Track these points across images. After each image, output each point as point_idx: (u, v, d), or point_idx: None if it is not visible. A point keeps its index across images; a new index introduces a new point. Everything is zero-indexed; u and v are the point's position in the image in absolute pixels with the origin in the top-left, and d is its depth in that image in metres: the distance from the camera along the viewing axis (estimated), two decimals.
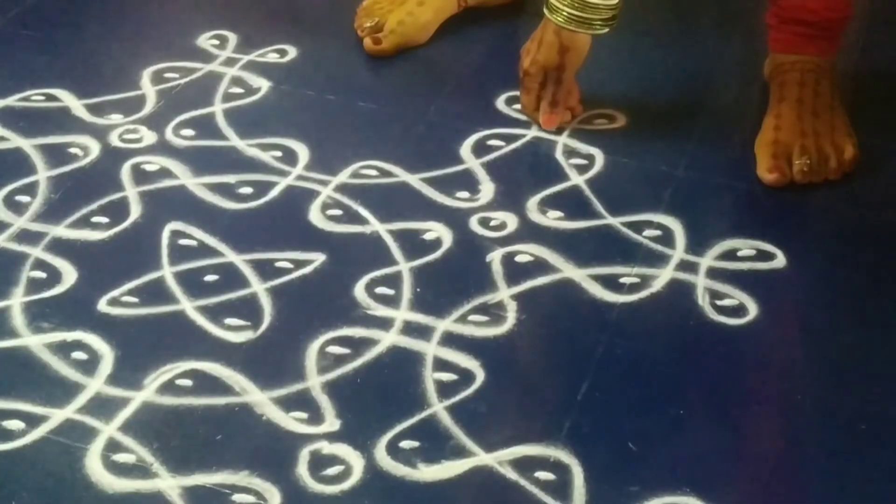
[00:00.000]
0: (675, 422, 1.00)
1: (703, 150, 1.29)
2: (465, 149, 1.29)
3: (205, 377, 1.02)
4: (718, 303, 1.11)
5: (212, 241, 1.16)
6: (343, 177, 1.25)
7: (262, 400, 1.00)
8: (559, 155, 1.28)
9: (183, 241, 1.16)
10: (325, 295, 1.11)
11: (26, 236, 1.16)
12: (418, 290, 1.11)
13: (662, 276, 1.13)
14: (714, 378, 1.04)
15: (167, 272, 1.12)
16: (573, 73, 1.30)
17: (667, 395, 1.02)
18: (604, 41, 1.28)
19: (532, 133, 1.31)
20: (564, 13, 1.23)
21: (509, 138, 1.31)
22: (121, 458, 0.95)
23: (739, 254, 1.16)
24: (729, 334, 1.08)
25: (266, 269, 1.13)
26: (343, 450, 0.96)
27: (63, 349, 1.04)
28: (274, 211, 1.21)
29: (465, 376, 1.03)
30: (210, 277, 1.12)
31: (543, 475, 0.95)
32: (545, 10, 1.25)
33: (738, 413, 1.01)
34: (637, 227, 1.19)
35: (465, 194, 1.23)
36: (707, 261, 1.15)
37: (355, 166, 1.26)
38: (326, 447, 0.96)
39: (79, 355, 1.03)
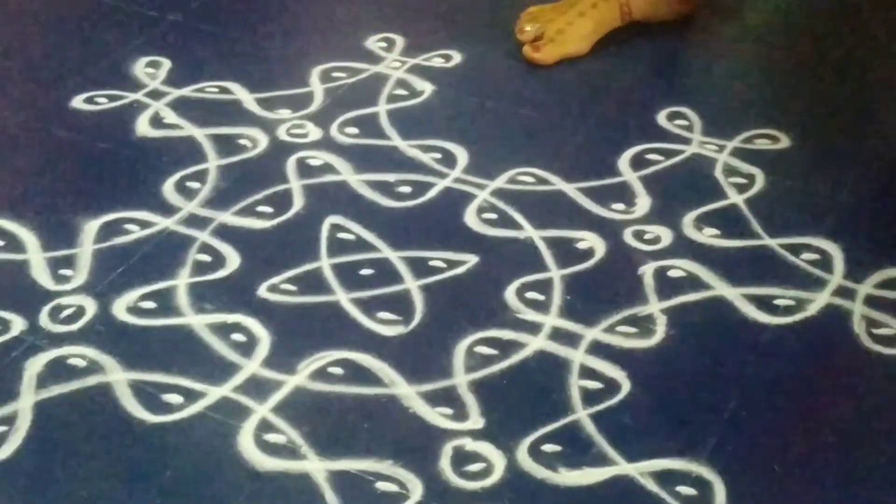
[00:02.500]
0: (823, 448, 0.98)
1: (868, 175, 1.27)
2: (623, 161, 1.29)
3: (356, 367, 1.04)
4: (875, 331, 1.08)
5: (369, 236, 1.19)
6: (500, 182, 1.26)
7: (409, 393, 1.02)
8: (719, 173, 1.27)
9: (342, 235, 1.19)
10: (476, 296, 1.13)
11: (194, 221, 1.21)
12: (568, 297, 1.12)
13: (818, 301, 1.11)
14: (867, 407, 1.02)
15: (325, 263, 1.16)
16: None
17: (816, 420, 1.01)
18: (770, 63, 1.26)
19: (692, 149, 1.31)
20: None
21: (669, 153, 1.30)
22: (272, 438, 0.98)
23: None
24: (884, 364, 1.05)
25: (420, 267, 1.15)
26: (486, 448, 0.97)
27: (223, 330, 1.08)
28: (431, 211, 1.23)
29: (611, 386, 1.03)
30: (366, 271, 1.15)
31: (685, 490, 0.94)
32: None
33: (890, 446, 0.99)
34: (795, 249, 1.17)
35: (620, 206, 1.23)
36: (866, 288, 1.12)
37: (512, 172, 1.27)
38: (469, 444, 0.98)
39: (238, 337, 1.07)
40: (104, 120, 1.36)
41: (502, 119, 1.37)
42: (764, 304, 1.11)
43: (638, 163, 1.29)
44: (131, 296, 1.11)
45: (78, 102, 1.38)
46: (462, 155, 1.30)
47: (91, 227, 1.19)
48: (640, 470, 0.96)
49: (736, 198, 1.24)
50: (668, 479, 0.95)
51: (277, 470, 0.95)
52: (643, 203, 1.23)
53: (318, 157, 1.30)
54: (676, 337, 1.08)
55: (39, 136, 1.33)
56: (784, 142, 1.32)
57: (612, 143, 1.32)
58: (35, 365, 1.04)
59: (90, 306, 1.10)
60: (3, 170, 1.28)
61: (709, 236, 1.19)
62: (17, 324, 1.08)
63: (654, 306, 1.11)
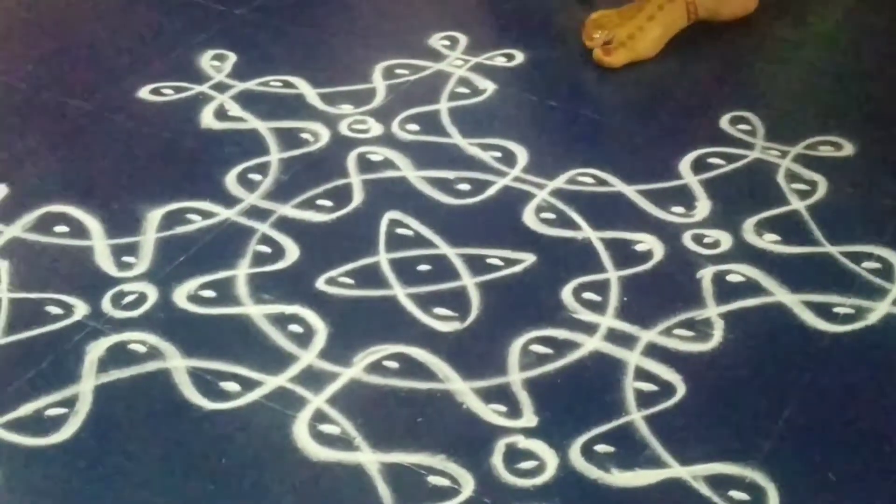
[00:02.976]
0: (879, 458, 0.97)
1: None
2: (685, 165, 1.29)
3: (411, 361, 1.05)
4: None
5: (427, 232, 1.19)
6: (559, 182, 1.26)
7: (463, 389, 1.02)
8: (781, 178, 1.26)
9: (400, 230, 1.20)
10: (532, 295, 1.13)
11: (255, 212, 1.22)
12: (625, 298, 1.12)
13: (879, 310, 1.10)
14: None
15: (383, 258, 1.16)
16: None
17: (873, 431, 1.00)
18: (835, 69, 1.25)
19: (755, 154, 1.30)
20: None
21: (731, 158, 1.29)
22: (326, 428, 0.99)
23: None
24: None
25: (477, 265, 1.16)
26: (538, 446, 0.98)
27: (281, 321, 1.09)
28: (489, 209, 1.23)
29: (666, 388, 1.03)
30: (423, 267, 1.15)
31: (738, 495, 0.94)
32: None
33: None
34: (856, 257, 1.16)
35: (680, 209, 1.22)
36: None
37: (572, 172, 1.27)
38: (522, 442, 0.98)
39: (295, 328, 1.08)
40: (170, 111, 1.37)
41: (563, 119, 1.37)
42: (823, 311, 1.10)
43: (699, 166, 1.28)
44: (192, 284, 1.13)
45: (144, 93, 1.40)
46: (522, 154, 1.30)
47: (154, 215, 1.21)
48: (694, 473, 0.95)
49: (797, 204, 1.23)
50: (721, 483, 0.94)
51: (331, 460, 0.96)
52: (703, 207, 1.23)
53: (378, 153, 1.31)
54: (734, 342, 1.07)
55: (106, 125, 1.35)
56: (847, 149, 1.30)
57: (674, 145, 1.31)
58: (97, 349, 1.05)
59: (152, 293, 1.11)
60: (69, 158, 1.30)
61: (769, 242, 1.18)
62: (81, 308, 1.10)
63: (712, 310, 1.10)
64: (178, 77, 1.42)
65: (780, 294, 1.12)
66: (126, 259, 1.16)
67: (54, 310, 1.10)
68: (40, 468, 0.95)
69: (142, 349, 1.06)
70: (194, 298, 1.11)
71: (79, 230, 1.19)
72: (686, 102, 1.40)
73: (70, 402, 1.00)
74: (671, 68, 1.46)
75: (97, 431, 0.98)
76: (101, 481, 0.94)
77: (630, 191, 1.25)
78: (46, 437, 0.97)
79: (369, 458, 0.96)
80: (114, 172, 1.28)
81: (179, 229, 1.19)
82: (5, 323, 1.08)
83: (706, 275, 1.14)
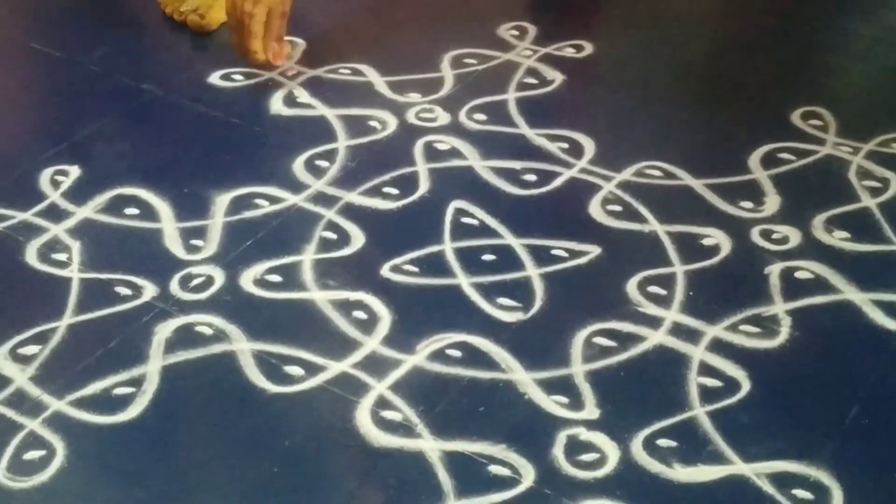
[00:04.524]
0: None
1: None
2: (754, 159, 1.27)
3: (474, 351, 1.05)
4: None
5: (492, 222, 1.19)
6: (626, 174, 1.25)
7: (525, 379, 1.02)
8: (852, 175, 1.25)
9: (465, 220, 1.20)
10: (596, 287, 1.12)
11: (322, 198, 1.23)
12: (691, 293, 1.11)
13: None
14: None
15: (448, 247, 1.16)
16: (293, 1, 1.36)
17: None
18: None
19: (826, 150, 1.28)
20: None
21: (801, 153, 1.28)
22: (388, 415, 0.99)
23: None
24: None
25: (542, 255, 1.15)
26: (600, 439, 0.97)
27: (345, 307, 1.10)
28: (555, 200, 1.23)
29: (731, 384, 1.02)
30: (487, 257, 1.15)
31: (801, 493, 0.93)
32: None
33: None
34: None
35: (748, 204, 1.21)
36: None
37: (640, 165, 1.27)
38: (584, 434, 0.98)
39: (359, 314, 1.09)
40: (239, 96, 1.39)
41: (631, 111, 1.36)
42: (893, 310, 1.08)
43: (769, 161, 1.27)
44: (258, 268, 1.14)
45: (215, 79, 1.42)
46: (589, 145, 1.30)
47: (223, 199, 1.22)
48: (757, 471, 0.94)
49: (869, 201, 1.21)
50: (784, 481, 0.93)
51: (392, 446, 0.97)
52: (772, 202, 1.21)
53: (445, 142, 1.31)
54: (800, 339, 1.06)
55: (177, 109, 1.37)
56: None
57: (744, 140, 1.30)
58: (164, 330, 1.07)
59: (219, 277, 1.13)
60: (141, 141, 1.32)
61: (839, 239, 1.17)
62: (149, 290, 1.11)
63: (779, 307, 1.09)
64: (249, 63, 1.43)
65: (849, 292, 1.10)
66: (194, 242, 1.17)
67: (123, 291, 1.11)
68: (106, 446, 0.97)
69: (208, 331, 1.07)
70: (260, 282, 1.12)
71: (149, 213, 1.21)
72: (757, 96, 1.38)
73: (137, 382, 1.02)
74: (743, 61, 1.44)
75: (163, 411, 1.00)
76: (166, 460, 0.96)
77: (698, 184, 1.24)
78: (113, 415, 0.99)
79: (430, 446, 0.97)
80: (184, 156, 1.30)
81: (247, 214, 1.21)
82: (76, 302, 1.10)
83: (774, 271, 1.13)
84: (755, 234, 1.17)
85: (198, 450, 0.97)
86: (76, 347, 1.05)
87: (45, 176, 1.26)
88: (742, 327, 1.07)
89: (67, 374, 1.03)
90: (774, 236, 1.17)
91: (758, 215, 1.20)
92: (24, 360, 1.04)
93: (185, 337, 1.06)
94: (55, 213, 1.21)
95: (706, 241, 1.17)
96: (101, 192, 1.24)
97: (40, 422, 0.98)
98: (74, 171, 1.26)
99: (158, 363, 1.04)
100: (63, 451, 0.96)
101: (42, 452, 0.96)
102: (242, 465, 0.96)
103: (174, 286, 1.12)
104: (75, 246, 1.17)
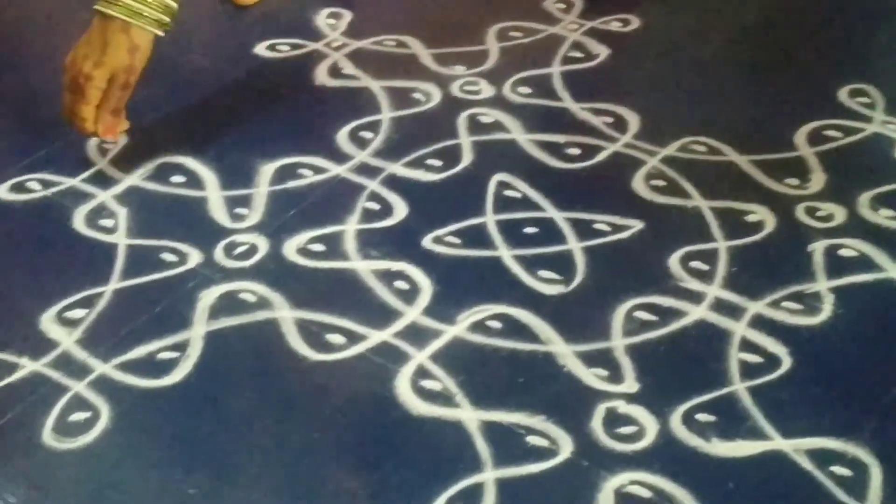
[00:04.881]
0: None
1: None
2: (800, 136, 1.26)
3: (514, 322, 1.06)
4: None
5: (535, 195, 1.20)
6: (671, 149, 1.25)
7: (565, 352, 1.03)
8: None
9: (508, 192, 1.20)
10: (638, 261, 1.12)
11: (365, 169, 1.23)
12: (734, 269, 1.10)
13: None
14: None
15: (490, 219, 1.17)
16: (140, 75, 1.19)
17: None
18: None
19: (873, 128, 1.27)
20: (126, 5, 1.14)
21: (848, 131, 1.27)
22: (428, 384, 1.00)
23: None
24: None
25: (583, 229, 1.15)
26: (639, 412, 0.97)
27: (387, 277, 1.10)
28: (598, 174, 1.23)
29: (771, 361, 1.02)
30: (529, 229, 1.16)
31: (839, 470, 0.92)
32: (101, 7, 1.15)
33: None
34: None
35: (794, 181, 1.20)
36: None
37: (684, 140, 1.26)
38: (623, 406, 0.98)
39: (401, 285, 1.09)
40: (285, 67, 1.40)
41: (677, 86, 1.36)
42: None
43: (815, 138, 1.26)
44: (301, 238, 1.15)
45: (261, 49, 1.42)
46: (634, 120, 1.29)
47: (267, 169, 1.23)
48: (795, 447, 0.94)
49: None
50: (823, 458, 0.93)
51: (431, 415, 0.97)
52: (818, 179, 1.21)
53: (489, 115, 1.31)
54: (843, 317, 1.05)
55: (223, 79, 1.38)
56: None
57: (790, 116, 1.29)
58: (208, 297, 1.08)
59: (262, 245, 1.14)
60: (187, 111, 1.33)
61: (885, 217, 1.16)
62: (194, 256, 1.12)
63: (822, 284, 1.08)
64: (294, 34, 1.44)
65: (893, 270, 1.10)
66: (239, 211, 1.18)
67: (169, 257, 1.13)
68: (150, 409, 0.98)
69: (251, 298, 1.08)
70: (303, 251, 1.13)
71: (194, 181, 1.22)
72: (804, 73, 1.37)
73: (181, 347, 1.03)
74: (790, 37, 1.43)
75: (206, 376, 1.01)
76: (208, 424, 0.97)
77: (743, 160, 1.23)
78: (158, 379, 1.00)
79: (469, 415, 0.97)
80: (229, 126, 1.31)
81: (291, 183, 1.22)
82: (122, 268, 1.11)
83: (818, 248, 1.12)
84: (800, 211, 1.17)
85: (240, 415, 0.98)
86: (122, 312, 1.07)
87: (93, 143, 1.27)
88: (784, 304, 1.07)
89: (113, 337, 1.04)
90: (819, 213, 1.16)
91: (803, 192, 1.19)
92: (71, 324, 1.05)
93: (229, 304, 1.08)
94: (103, 180, 1.22)
95: (750, 218, 1.16)
96: (148, 160, 1.25)
97: (86, 384, 1.00)
98: (122, 139, 1.27)
99: (202, 329, 1.05)
100: (108, 414, 0.98)
101: (87, 414, 0.98)
102: (284, 430, 0.97)
103: (219, 253, 1.13)
104: (122, 213, 1.18)
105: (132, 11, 1.15)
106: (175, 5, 1.18)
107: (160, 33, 1.18)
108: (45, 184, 1.22)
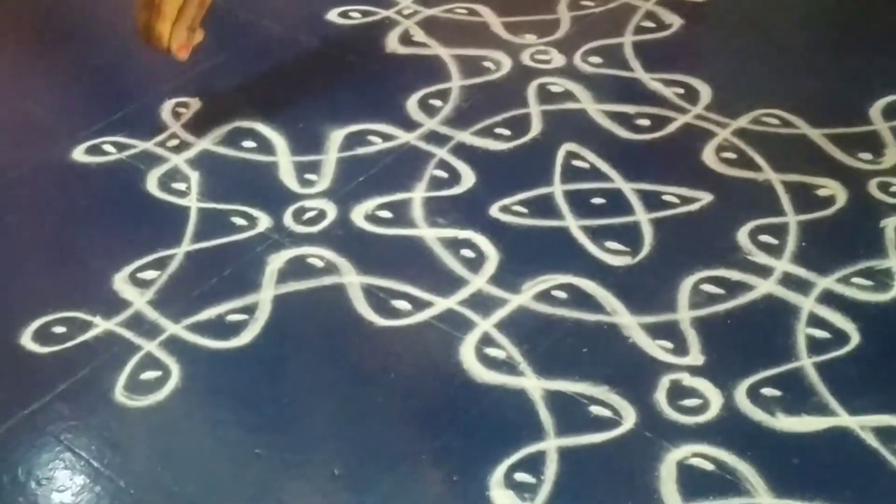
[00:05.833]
0: None
1: None
2: (876, 110, 1.24)
3: (579, 293, 1.06)
4: None
5: (604, 166, 1.19)
6: (743, 121, 1.24)
7: (630, 323, 1.03)
8: None
9: (576, 163, 1.20)
10: (706, 234, 1.11)
11: (434, 137, 1.24)
12: (804, 244, 1.09)
13: None
14: None
15: (557, 189, 1.17)
16: None
17: None
18: None
19: None
20: None
21: None
22: (492, 352, 1.00)
23: None
24: None
25: (652, 201, 1.15)
26: (703, 385, 0.97)
27: (454, 245, 1.11)
28: (668, 146, 1.22)
29: (839, 337, 1.01)
30: (597, 200, 1.15)
31: None
32: None
33: None
34: None
35: (867, 156, 1.19)
36: None
37: (757, 112, 1.25)
38: (687, 379, 0.98)
39: (467, 253, 1.10)
40: (356, 34, 1.40)
41: (750, 58, 1.34)
42: None
43: (891, 113, 1.24)
44: (369, 204, 1.15)
45: (333, 16, 1.43)
46: (705, 91, 1.28)
47: (337, 135, 1.24)
48: (861, 423, 0.93)
49: None
50: (889, 435, 0.92)
51: (495, 383, 0.98)
52: (892, 154, 1.19)
53: (559, 84, 1.31)
54: None
55: (294, 46, 1.39)
56: None
57: (866, 90, 1.27)
58: (277, 261, 1.10)
59: (331, 211, 1.15)
60: (259, 76, 1.34)
61: None
62: (264, 221, 1.14)
63: (894, 261, 1.07)
64: (366, 2, 1.44)
65: None
66: (308, 176, 1.19)
67: (239, 221, 1.14)
68: (219, 369, 1.00)
69: (319, 263, 1.09)
70: (371, 218, 1.14)
71: (265, 146, 1.24)
72: (881, 45, 1.35)
73: (250, 310, 1.05)
74: (867, 9, 1.40)
75: (274, 339, 1.02)
76: (276, 386, 0.99)
77: (816, 134, 1.22)
78: (227, 340, 1.02)
79: (533, 384, 0.98)
80: (300, 92, 1.32)
81: (360, 150, 1.22)
82: (193, 231, 1.13)
83: (890, 224, 1.11)
84: (872, 187, 1.15)
85: (306, 378, 1.00)
86: (193, 274, 1.09)
87: (167, 107, 1.29)
88: (854, 280, 1.05)
89: (183, 299, 1.06)
90: (893, 189, 1.15)
91: (876, 167, 1.17)
92: (143, 285, 1.08)
93: (297, 268, 1.09)
94: (176, 144, 1.24)
95: (821, 192, 1.15)
96: (220, 124, 1.26)
97: (157, 344, 1.02)
98: (195, 104, 1.29)
99: (271, 292, 1.06)
100: (178, 373, 1.00)
101: (158, 373, 1.00)
102: (349, 394, 0.98)
103: (288, 218, 1.14)
104: (194, 176, 1.20)
105: None
106: None
107: None
108: (120, 146, 1.24)
